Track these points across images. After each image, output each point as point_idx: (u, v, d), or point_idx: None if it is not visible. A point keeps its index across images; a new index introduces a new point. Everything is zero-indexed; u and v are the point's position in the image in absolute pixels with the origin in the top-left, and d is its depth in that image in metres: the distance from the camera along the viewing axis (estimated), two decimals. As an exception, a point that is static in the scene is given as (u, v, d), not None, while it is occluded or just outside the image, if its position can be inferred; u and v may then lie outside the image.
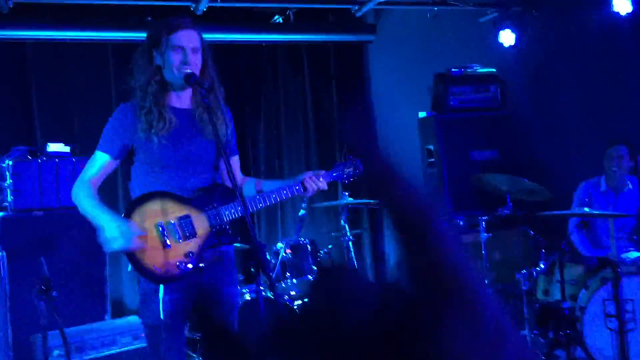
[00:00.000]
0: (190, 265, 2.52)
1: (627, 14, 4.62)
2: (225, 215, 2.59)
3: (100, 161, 2.60)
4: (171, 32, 2.56)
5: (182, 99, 2.67)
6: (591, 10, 4.97)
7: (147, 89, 2.56)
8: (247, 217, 2.40)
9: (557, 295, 4.17)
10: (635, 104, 4.77)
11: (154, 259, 2.48)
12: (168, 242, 2.51)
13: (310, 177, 2.72)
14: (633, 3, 4.57)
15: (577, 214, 4.21)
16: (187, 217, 2.55)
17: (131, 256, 2.48)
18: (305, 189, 2.71)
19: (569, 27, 5.26)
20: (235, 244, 5.04)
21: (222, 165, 2.67)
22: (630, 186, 4.57)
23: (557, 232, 4.69)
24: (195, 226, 2.56)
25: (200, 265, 2.56)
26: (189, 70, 2.54)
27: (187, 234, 2.55)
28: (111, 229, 2.43)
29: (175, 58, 2.55)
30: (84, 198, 2.55)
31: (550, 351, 4.13)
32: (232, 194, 2.58)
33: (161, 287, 2.48)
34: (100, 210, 2.51)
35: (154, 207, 2.52)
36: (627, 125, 4.84)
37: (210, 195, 2.62)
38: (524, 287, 4.26)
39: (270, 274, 2.34)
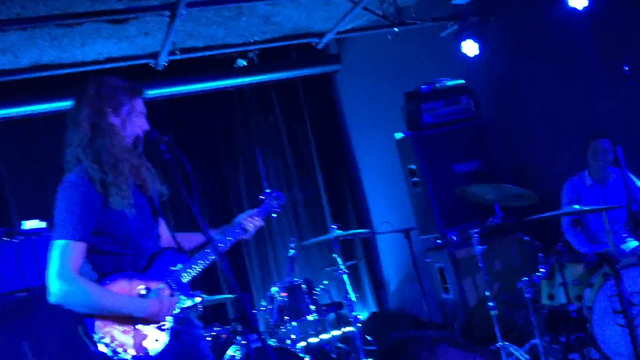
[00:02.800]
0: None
1: (583, 8, 4.63)
2: (183, 278, 2.46)
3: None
4: (134, 96, 2.46)
5: None
6: (548, 9, 4.98)
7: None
8: (227, 270, 2.27)
9: (562, 299, 4.06)
10: (603, 94, 4.76)
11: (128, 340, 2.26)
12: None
13: (248, 219, 2.71)
14: (588, -4, 4.59)
15: (568, 213, 4.13)
16: (148, 290, 2.36)
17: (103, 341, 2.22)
18: (246, 230, 2.69)
19: (529, 28, 5.27)
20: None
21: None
22: (614, 176, 4.53)
23: (552, 233, 4.61)
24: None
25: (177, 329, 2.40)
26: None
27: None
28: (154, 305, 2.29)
29: (143, 123, 2.47)
30: (94, 290, 2.24)
31: (564, 356, 4.02)
32: (179, 254, 2.49)
33: None
34: (122, 295, 2.29)
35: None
36: (600, 116, 4.82)
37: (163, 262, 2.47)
38: (527, 295, 4.16)
39: (253, 324, 2.19)
